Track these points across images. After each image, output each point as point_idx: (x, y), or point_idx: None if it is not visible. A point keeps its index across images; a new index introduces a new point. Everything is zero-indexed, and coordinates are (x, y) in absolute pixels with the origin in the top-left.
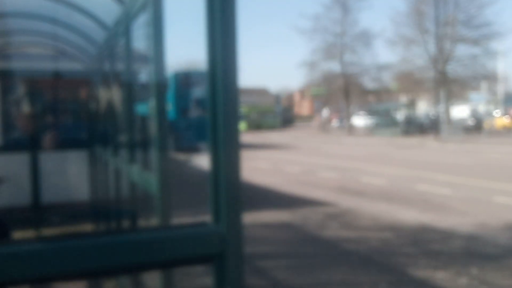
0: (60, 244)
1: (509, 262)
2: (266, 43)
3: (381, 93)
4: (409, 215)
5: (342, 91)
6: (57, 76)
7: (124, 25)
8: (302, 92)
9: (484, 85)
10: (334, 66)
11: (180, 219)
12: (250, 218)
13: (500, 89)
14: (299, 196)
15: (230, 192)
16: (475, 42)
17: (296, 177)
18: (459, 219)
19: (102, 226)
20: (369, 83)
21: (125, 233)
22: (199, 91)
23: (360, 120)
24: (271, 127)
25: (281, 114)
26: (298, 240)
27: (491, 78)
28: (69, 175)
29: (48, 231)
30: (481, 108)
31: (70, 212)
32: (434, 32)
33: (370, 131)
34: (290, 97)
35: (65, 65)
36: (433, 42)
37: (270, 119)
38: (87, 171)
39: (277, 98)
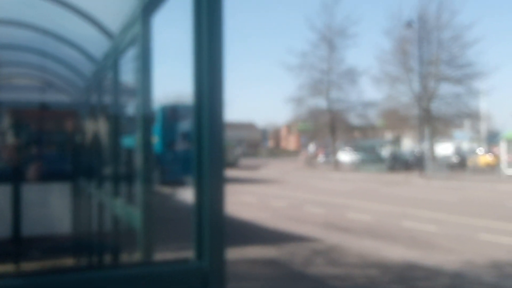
0: (40, 280)
1: None
2: (254, 78)
3: (367, 129)
4: (395, 252)
5: (328, 126)
6: (44, 107)
7: (112, 59)
8: (289, 127)
9: (467, 123)
10: (320, 102)
11: (164, 254)
12: (236, 253)
13: (483, 127)
14: (285, 232)
15: (213, 228)
16: (458, 81)
17: (283, 212)
18: (444, 257)
19: (84, 260)
20: (355, 119)
21: (106, 269)
22: (186, 125)
23: (346, 156)
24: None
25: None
26: (283, 277)
27: (474, 116)
28: (52, 207)
29: (28, 265)
30: (465, 146)
31: (52, 245)
32: (418, 70)
33: (355, 167)
34: (277, 131)
35: (52, 97)
36: (417, 80)
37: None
38: (70, 203)
39: (264, 132)
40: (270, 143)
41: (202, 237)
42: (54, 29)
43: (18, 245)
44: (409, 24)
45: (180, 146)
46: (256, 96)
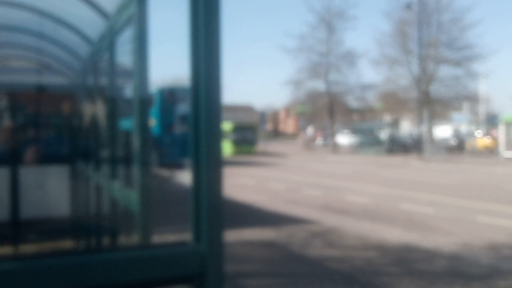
0: (37, 264)
1: (492, 282)
2: (253, 61)
3: (365, 112)
4: (393, 234)
5: (326, 109)
6: (41, 89)
7: (108, 40)
8: (287, 110)
9: (466, 105)
10: (319, 85)
11: (162, 237)
12: (234, 235)
13: (482, 109)
14: (283, 214)
15: (211, 211)
16: (458, 63)
17: (281, 195)
18: (442, 239)
19: (82, 243)
20: (353, 102)
21: (104, 252)
22: (184, 107)
23: (344, 139)
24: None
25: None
26: (282, 259)
27: (473, 99)
28: (50, 190)
29: (26, 247)
30: (463, 128)
31: (50, 227)
32: (418, 53)
33: (354, 149)
34: (275, 114)
35: (49, 79)
36: (416, 62)
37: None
38: (68, 186)
39: (262, 115)
40: (269, 126)
41: (200, 220)
42: (50, 10)
43: (17, 228)
44: (408, 6)
45: (178, 128)
46: (254, 79)
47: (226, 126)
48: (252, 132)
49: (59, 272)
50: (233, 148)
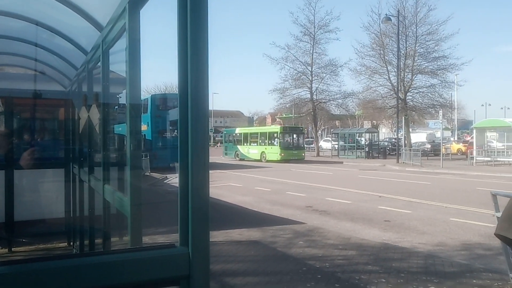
0: (29, 267)
1: (465, 281)
2: (242, 70)
3: (347, 118)
4: (372, 234)
5: (310, 116)
6: (37, 96)
7: (101, 50)
8: (274, 116)
9: (441, 113)
10: (303, 93)
11: (155, 238)
12: (222, 236)
13: (456, 117)
14: (269, 215)
15: (198, 214)
16: (433, 73)
17: (267, 196)
18: (418, 239)
19: (75, 244)
20: (335, 109)
21: (94, 255)
22: (175, 113)
23: (327, 144)
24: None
25: None
26: (267, 258)
27: (447, 106)
28: (44, 193)
29: (20, 249)
30: (439, 134)
31: (44, 229)
32: (396, 63)
33: (336, 154)
34: (262, 120)
35: (45, 86)
36: (394, 72)
37: None
38: (62, 189)
39: (250, 120)
40: None
41: (187, 224)
42: (46, 21)
43: (11, 230)
44: (388, 19)
45: (170, 133)
46: (243, 86)
47: (274, 129)
48: (300, 136)
49: (50, 275)
50: (281, 152)
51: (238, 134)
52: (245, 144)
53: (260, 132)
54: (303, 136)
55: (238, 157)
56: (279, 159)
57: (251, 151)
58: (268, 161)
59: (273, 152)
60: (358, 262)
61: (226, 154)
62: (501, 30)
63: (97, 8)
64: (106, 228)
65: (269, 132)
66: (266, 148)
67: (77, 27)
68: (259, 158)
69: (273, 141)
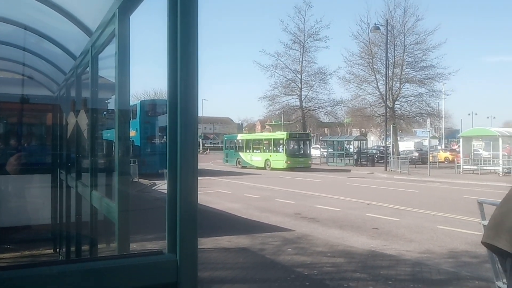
0: (14, 274)
1: None
2: (232, 77)
3: (335, 126)
4: (360, 241)
5: (300, 123)
6: (23, 101)
7: (90, 56)
8: (263, 123)
9: (428, 121)
10: (292, 100)
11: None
12: (210, 243)
13: (443, 125)
14: (257, 222)
15: (186, 221)
16: (421, 82)
17: (256, 203)
18: (406, 246)
19: (61, 251)
20: (324, 117)
21: (81, 261)
22: (164, 119)
23: (316, 151)
24: None
25: None
26: (255, 265)
27: (435, 115)
28: (31, 198)
29: (5, 255)
30: (426, 142)
31: (29, 235)
32: (384, 72)
33: (325, 161)
34: (251, 126)
35: (33, 91)
36: (383, 81)
37: None
38: (49, 195)
39: (239, 127)
40: None
41: (175, 230)
42: (35, 25)
43: None
44: (376, 29)
45: (158, 139)
46: (233, 93)
47: (280, 135)
48: (307, 143)
49: (35, 282)
50: (287, 160)
51: (240, 141)
52: (248, 151)
53: (265, 139)
54: (309, 143)
55: (240, 164)
56: (284, 167)
57: (254, 158)
58: (273, 169)
59: (279, 159)
60: (347, 270)
61: (226, 161)
62: (488, 41)
63: (87, 13)
64: (93, 235)
65: (274, 139)
66: (270, 155)
67: (66, 32)
68: (263, 166)
69: (278, 148)
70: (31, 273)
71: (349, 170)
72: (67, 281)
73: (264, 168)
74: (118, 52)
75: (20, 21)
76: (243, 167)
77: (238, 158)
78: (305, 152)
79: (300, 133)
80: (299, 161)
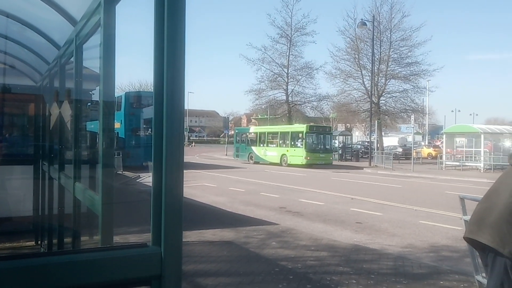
0: None
1: (432, 282)
2: (218, 70)
3: (321, 121)
4: (344, 235)
5: (286, 117)
6: (5, 90)
7: (75, 45)
8: (249, 116)
9: (413, 117)
10: (279, 94)
11: (126, 237)
12: (195, 236)
13: (427, 121)
14: (242, 215)
15: (171, 214)
16: (406, 78)
17: (241, 197)
18: (388, 240)
19: (43, 243)
20: (310, 111)
21: (63, 254)
22: (149, 111)
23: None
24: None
25: None
26: (240, 258)
27: (419, 111)
28: (12, 190)
29: None
30: (410, 138)
31: (10, 227)
32: (370, 68)
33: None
34: (237, 120)
35: (14, 80)
36: (368, 77)
37: None
38: (31, 186)
39: (225, 121)
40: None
41: (160, 224)
42: (17, 13)
43: None
44: (363, 24)
45: (143, 132)
46: (219, 87)
47: (299, 128)
48: (328, 137)
49: (16, 274)
50: (306, 156)
51: (252, 134)
52: (262, 145)
53: (281, 132)
54: (330, 137)
55: (252, 160)
56: (304, 163)
57: (268, 153)
58: (290, 165)
59: (297, 155)
60: (330, 263)
61: (237, 156)
62: (472, 39)
63: (71, 1)
64: (76, 227)
65: (292, 132)
66: (288, 150)
67: (50, 20)
68: (278, 162)
69: (296, 142)
70: (12, 265)
71: (333, 165)
72: (49, 273)
73: (280, 164)
74: (103, 42)
75: (1, 9)
76: (255, 162)
77: (250, 153)
78: (326, 147)
79: (322, 126)
80: (319, 157)
